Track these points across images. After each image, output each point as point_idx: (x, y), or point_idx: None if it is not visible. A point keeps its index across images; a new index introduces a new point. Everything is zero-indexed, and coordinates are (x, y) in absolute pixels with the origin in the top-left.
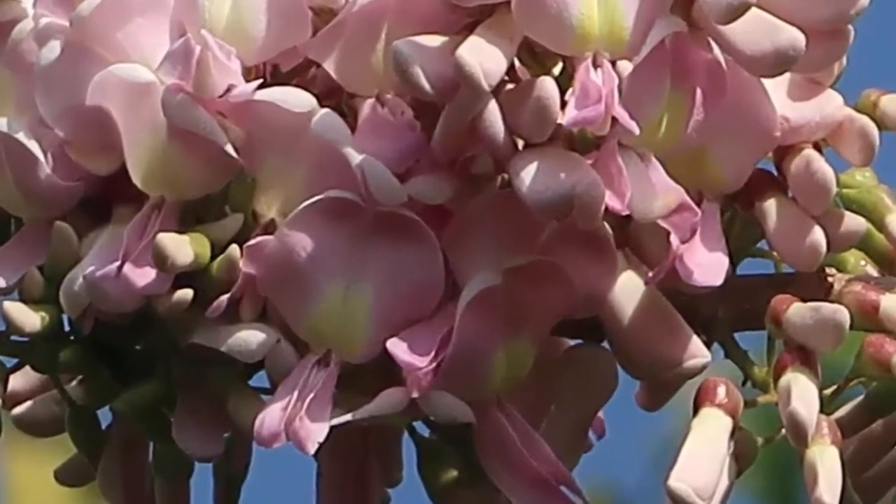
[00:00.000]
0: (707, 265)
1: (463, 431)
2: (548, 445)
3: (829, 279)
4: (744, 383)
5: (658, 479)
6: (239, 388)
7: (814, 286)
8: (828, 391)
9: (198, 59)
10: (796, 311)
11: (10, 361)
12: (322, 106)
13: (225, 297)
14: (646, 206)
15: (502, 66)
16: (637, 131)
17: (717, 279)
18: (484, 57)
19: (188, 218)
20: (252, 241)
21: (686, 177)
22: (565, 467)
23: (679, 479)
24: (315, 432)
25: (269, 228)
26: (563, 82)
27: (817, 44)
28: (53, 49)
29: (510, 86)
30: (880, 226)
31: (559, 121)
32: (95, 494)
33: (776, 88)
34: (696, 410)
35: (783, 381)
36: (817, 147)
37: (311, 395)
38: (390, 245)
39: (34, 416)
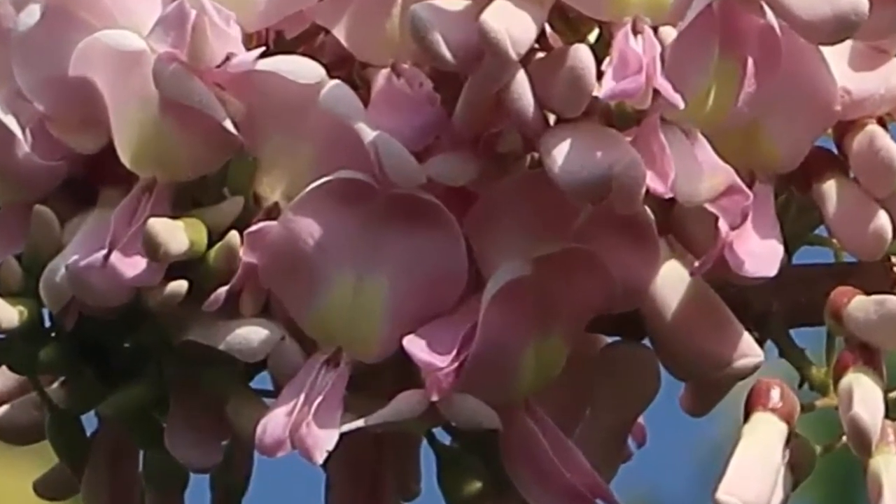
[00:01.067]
0: (759, 254)
1: (488, 439)
2: (582, 454)
3: None
4: (800, 385)
5: (705, 491)
6: (239, 390)
7: (878, 277)
8: (894, 394)
9: (193, 25)
10: (859, 304)
11: None
12: (331, 77)
13: (223, 290)
14: (691, 187)
15: (531, 32)
16: (682, 105)
17: (771, 269)
18: (511, 22)
19: (182, 201)
20: (253, 228)
21: (736, 155)
22: (601, 478)
23: (728, 492)
24: (323, 440)
25: (273, 213)
26: (600, 51)
27: (882, 8)
28: (33, 14)
29: (540, 54)
30: None
31: (595, 93)
32: None
33: (836, 57)
34: (747, 415)
35: (844, 382)
36: (882, 122)
37: (320, 399)
38: (407, 231)
39: (11, 422)
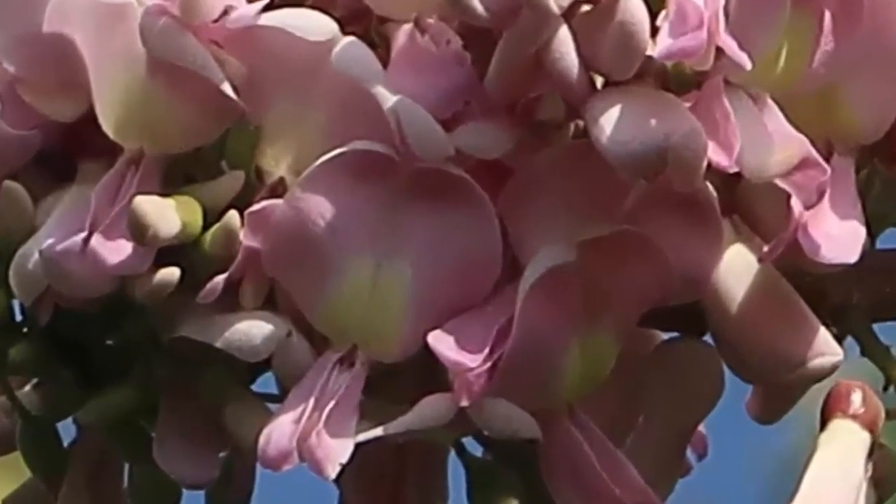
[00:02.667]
0: (838, 237)
1: (525, 449)
2: (634, 467)
3: None
4: (885, 388)
5: None
6: (238, 394)
7: None
8: None
9: None
10: None
11: None
12: (345, 33)
13: (221, 279)
14: (760, 161)
15: None
16: (748, 66)
17: (851, 255)
18: None
19: (174, 176)
20: (256, 207)
21: (812, 124)
22: (656, 495)
23: None
24: (336, 451)
25: (278, 190)
26: (654, 3)
27: None
28: None
29: (586, 7)
30: None
31: (649, 52)
32: None
33: None
34: (823, 423)
35: None
36: None
37: (332, 404)
38: (433, 211)
39: None
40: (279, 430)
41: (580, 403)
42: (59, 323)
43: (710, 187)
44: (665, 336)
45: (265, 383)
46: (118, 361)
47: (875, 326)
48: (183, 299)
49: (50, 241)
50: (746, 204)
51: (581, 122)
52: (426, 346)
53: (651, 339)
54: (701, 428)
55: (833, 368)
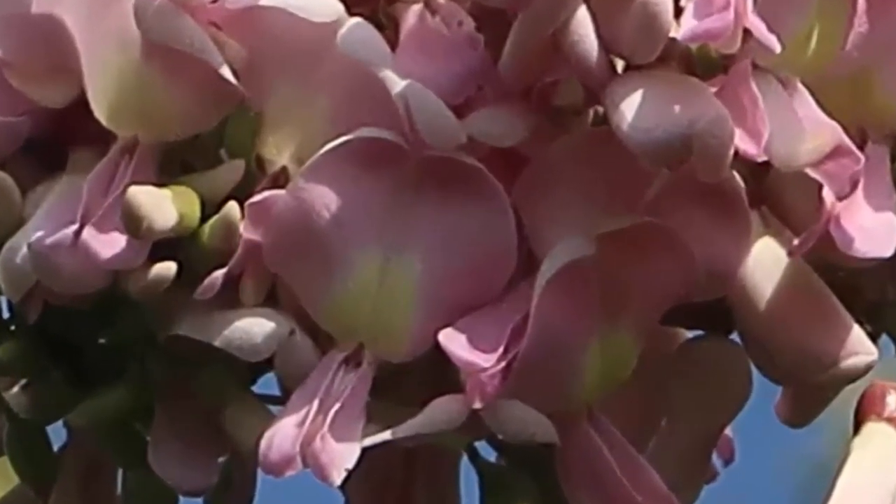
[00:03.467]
0: (872, 229)
1: (541, 454)
2: (657, 472)
3: None
4: None
5: None
6: (238, 395)
7: None
8: None
9: None
10: None
11: None
12: (351, 14)
13: (220, 274)
14: (790, 149)
15: None
16: (778, 49)
17: (887, 249)
18: None
19: (170, 166)
20: (257, 198)
21: (845, 110)
22: (680, 502)
23: None
24: (341, 456)
25: (280, 180)
26: None
27: None
28: None
29: None
30: None
31: (672, 35)
32: None
33: None
34: (857, 426)
35: None
36: None
37: (337, 406)
38: (444, 202)
39: None
40: (281, 434)
41: (600, 406)
42: (48, 320)
43: (737, 177)
44: (689, 334)
45: (267, 384)
46: (111, 361)
47: None
48: (180, 295)
49: (39, 233)
50: (775, 195)
51: (601, 109)
52: (437, 345)
53: (675, 338)
54: (728, 431)
55: (867, 368)
